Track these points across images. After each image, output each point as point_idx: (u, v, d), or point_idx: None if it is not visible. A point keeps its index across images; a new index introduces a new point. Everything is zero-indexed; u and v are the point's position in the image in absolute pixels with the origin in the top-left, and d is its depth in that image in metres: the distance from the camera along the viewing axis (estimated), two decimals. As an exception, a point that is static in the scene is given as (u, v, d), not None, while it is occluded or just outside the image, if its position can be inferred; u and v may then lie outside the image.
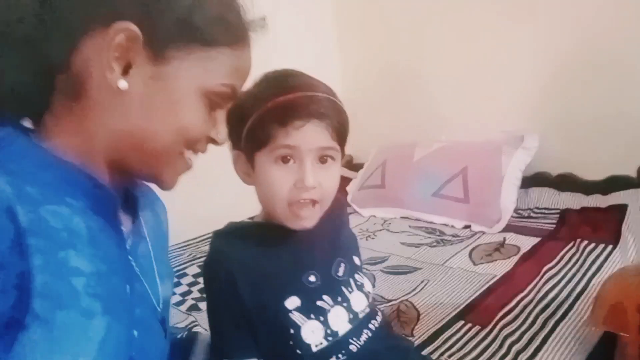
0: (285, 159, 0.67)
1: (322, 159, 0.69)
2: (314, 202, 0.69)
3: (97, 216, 0.53)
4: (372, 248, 1.68)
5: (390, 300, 1.30)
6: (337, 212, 0.81)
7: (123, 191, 0.63)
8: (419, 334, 1.12)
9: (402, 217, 1.97)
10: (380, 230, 1.88)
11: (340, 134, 0.70)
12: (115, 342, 0.52)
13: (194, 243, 1.83)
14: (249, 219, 0.78)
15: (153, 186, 0.66)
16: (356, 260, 0.81)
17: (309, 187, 0.67)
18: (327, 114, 0.68)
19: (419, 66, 2.22)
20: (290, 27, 2.02)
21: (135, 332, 0.57)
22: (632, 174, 1.71)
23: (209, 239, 0.76)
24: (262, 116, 0.67)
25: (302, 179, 0.67)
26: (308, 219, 0.70)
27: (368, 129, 1.89)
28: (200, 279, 1.31)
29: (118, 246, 0.57)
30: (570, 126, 1.83)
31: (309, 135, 0.66)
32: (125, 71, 0.52)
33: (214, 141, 0.63)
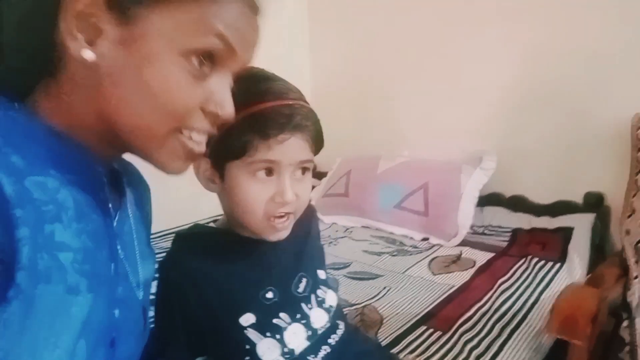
0: (267, 173, 0.64)
1: (301, 171, 0.67)
2: (289, 215, 0.67)
3: (84, 191, 0.51)
4: (335, 254, 1.71)
5: (353, 304, 1.33)
6: (305, 222, 0.78)
7: (110, 169, 0.60)
8: (383, 337, 1.16)
9: (363, 227, 2.01)
10: (343, 237, 1.92)
11: (317, 144, 0.68)
12: (98, 321, 0.50)
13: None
14: (214, 221, 0.73)
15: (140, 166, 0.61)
16: (320, 274, 0.78)
17: (288, 202, 0.64)
18: (308, 126, 0.64)
19: (386, 84, 2.29)
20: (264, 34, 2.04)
21: (117, 312, 0.55)
22: (578, 200, 1.84)
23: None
24: (239, 125, 0.60)
25: (281, 194, 0.64)
26: (284, 230, 0.68)
27: (332, 139, 1.92)
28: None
29: (104, 223, 0.54)
30: (524, 153, 1.95)
31: (292, 150, 0.63)
32: (94, 40, 0.47)
33: (215, 116, 0.54)
